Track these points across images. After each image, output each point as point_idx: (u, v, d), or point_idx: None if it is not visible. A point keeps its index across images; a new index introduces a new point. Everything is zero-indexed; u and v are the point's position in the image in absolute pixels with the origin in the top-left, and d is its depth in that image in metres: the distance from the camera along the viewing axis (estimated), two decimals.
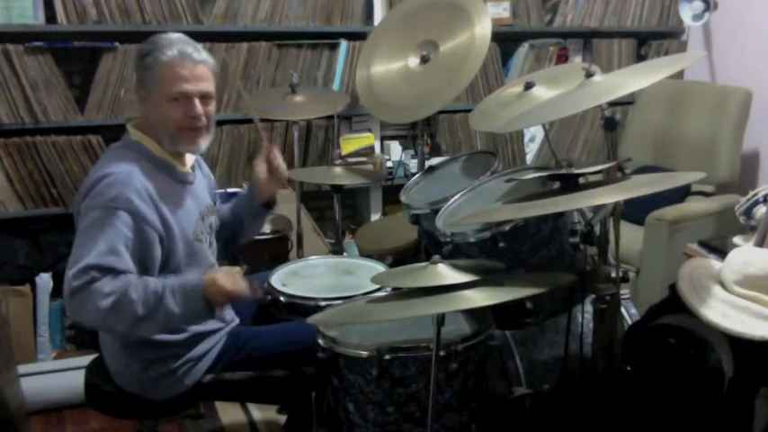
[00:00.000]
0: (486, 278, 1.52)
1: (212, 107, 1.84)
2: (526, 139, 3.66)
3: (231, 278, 1.75)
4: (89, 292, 1.59)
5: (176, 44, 1.77)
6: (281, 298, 2.05)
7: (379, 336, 1.69)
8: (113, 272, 1.62)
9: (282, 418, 2.22)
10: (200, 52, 1.80)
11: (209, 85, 1.81)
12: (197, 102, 1.78)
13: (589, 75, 1.72)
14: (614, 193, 1.53)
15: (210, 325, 1.87)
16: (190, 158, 1.93)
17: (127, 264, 1.65)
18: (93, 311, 1.60)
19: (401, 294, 1.57)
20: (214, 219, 2.01)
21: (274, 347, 1.88)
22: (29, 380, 2.62)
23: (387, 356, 1.61)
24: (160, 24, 2.91)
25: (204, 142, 1.84)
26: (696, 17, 3.54)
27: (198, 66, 1.78)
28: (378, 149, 3.36)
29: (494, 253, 1.79)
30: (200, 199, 1.92)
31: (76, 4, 2.79)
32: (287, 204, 3.06)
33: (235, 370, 1.87)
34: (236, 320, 1.98)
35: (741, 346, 1.63)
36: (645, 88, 2.62)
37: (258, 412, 2.59)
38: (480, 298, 1.45)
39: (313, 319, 1.64)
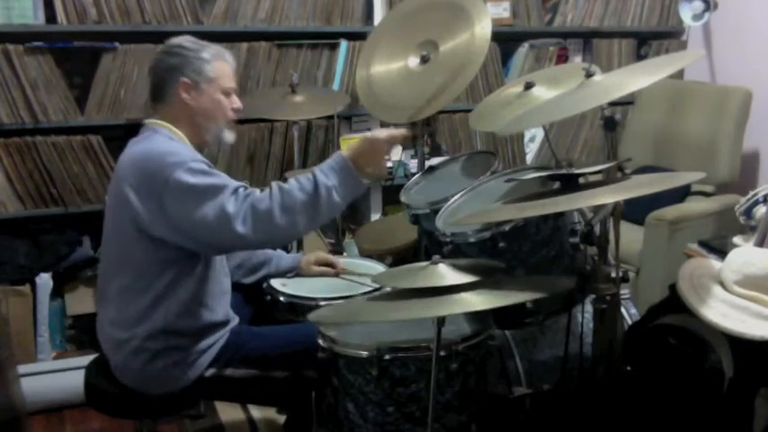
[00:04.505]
0: (487, 279, 1.52)
1: None
2: (526, 139, 3.66)
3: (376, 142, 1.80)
4: (250, 206, 1.69)
5: (213, 45, 1.94)
6: (281, 298, 2.05)
7: (379, 336, 1.69)
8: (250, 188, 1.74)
9: (282, 418, 2.22)
10: None
11: None
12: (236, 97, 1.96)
13: (589, 75, 1.72)
14: (614, 193, 1.53)
15: (221, 317, 1.89)
16: None
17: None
18: (265, 220, 1.68)
19: (401, 294, 1.57)
20: None
21: (276, 347, 1.88)
22: (29, 380, 2.62)
23: (387, 356, 1.61)
24: (160, 24, 2.91)
25: None
26: (696, 17, 3.54)
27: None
28: None
29: (494, 253, 1.79)
30: None
31: (76, 4, 2.79)
32: None
33: (236, 367, 1.87)
34: (237, 319, 1.98)
35: (741, 346, 1.63)
36: (645, 88, 2.61)
37: (258, 412, 2.59)
38: (480, 302, 1.45)
39: (313, 316, 1.64)
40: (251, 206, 1.69)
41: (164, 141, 1.82)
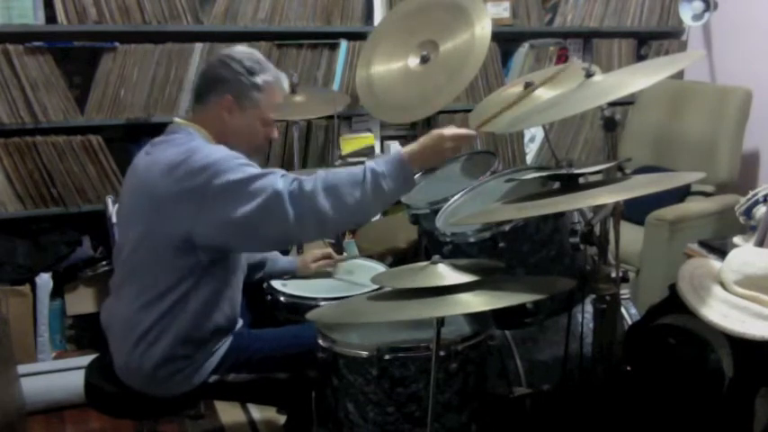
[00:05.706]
0: (487, 279, 1.52)
1: None
2: (526, 139, 3.66)
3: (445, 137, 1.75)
4: (298, 186, 1.64)
5: (274, 70, 1.89)
6: (282, 298, 2.05)
7: (379, 336, 1.69)
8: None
9: (282, 418, 2.22)
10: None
11: None
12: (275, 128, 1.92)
13: (589, 75, 1.72)
14: (614, 193, 1.53)
15: (232, 321, 1.88)
16: None
17: None
18: (309, 199, 1.63)
19: (401, 294, 1.57)
20: None
21: (277, 350, 1.88)
22: (29, 380, 2.62)
23: (387, 356, 1.61)
24: (160, 24, 2.91)
25: None
26: (696, 17, 3.54)
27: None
28: (378, 149, 3.36)
29: (494, 253, 1.79)
30: None
31: (76, 4, 2.79)
32: None
33: (239, 371, 1.87)
34: (241, 322, 1.98)
35: (741, 346, 1.63)
36: (645, 88, 2.61)
37: (258, 412, 2.59)
38: (480, 302, 1.45)
39: (312, 315, 1.64)
40: (298, 186, 1.65)
41: (201, 145, 1.75)
